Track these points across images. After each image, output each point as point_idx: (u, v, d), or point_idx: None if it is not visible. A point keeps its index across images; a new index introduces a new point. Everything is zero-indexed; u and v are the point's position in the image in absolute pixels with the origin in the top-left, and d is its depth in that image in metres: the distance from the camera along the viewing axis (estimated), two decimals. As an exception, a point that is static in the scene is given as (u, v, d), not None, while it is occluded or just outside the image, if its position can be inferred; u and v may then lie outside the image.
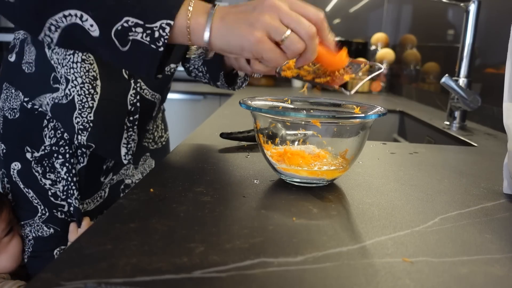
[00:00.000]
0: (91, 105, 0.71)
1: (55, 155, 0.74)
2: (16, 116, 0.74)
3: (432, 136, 1.17)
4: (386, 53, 2.02)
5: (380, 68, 0.57)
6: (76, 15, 0.49)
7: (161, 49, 0.49)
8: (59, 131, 0.74)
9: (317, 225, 0.43)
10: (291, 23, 0.48)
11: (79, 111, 0.71)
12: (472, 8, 1.06)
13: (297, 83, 2.27)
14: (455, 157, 0.77)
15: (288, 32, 0.48)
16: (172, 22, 0.48)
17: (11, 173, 0.75)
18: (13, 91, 0.75)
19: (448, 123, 1.13)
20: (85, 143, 0.72)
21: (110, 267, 0.33)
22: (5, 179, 0.76)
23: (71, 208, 0.76)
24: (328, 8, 2.40)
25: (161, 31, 0.48)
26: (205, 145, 0.74)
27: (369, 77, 0.58)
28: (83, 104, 0.70)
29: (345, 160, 0.55)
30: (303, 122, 0.53)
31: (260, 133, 0.55)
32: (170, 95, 2.11)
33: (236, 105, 1.32)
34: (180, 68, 0.88)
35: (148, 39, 0.48)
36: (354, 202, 0.50)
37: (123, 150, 0.77)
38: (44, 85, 0.72)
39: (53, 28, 0.50)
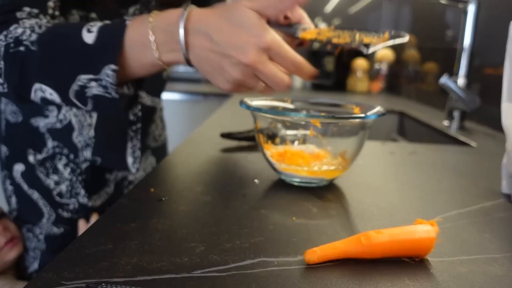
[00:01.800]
0: (89, 122, 0.72)
1: (58, 156, 0.74)
2: (19, 119, 0.74)
3: (431, 136, 1.17)
4: (385, 54, 2.03)
5: (403, 36, 0.54)
6: (40, 89, 0.49)
7: (115, 96, 0.47)
8: None
9: (317, 225, 0.43)
10: (266, 80, 0.46)
11: (79, 131, 0.72)
12: (471, 8, 1.06)
13: (297, 84, 2.28)
14: (454, 157, 0.78)
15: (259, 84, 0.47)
16: (115, 67, 0.45)
17: (14, 174, 0.75)
18: None
19: (447, 123, 1.13)
20: (90, 158, 0.74)
21: (110, 266, 0.33)
22: (8, 181, 0.76)
23: (77, 206, 0.76)
24: (328, 9, 2.40)
25: (106, 78, 0.46)
26: (205, 145, 0.75)
27: (391, 42, 0.55)
28: (82, 123, 0.72)
29: (344, 160, 0.55)
30: (303, 122, 0.53)
31: (260, 133, 0.55)
32: (170, 95, 2.10)
33: (236, 105, 1.32)
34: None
35: (101, 89, 0.47)
36: (353, 202, 0.50)
37: (130, 160, 0.78)
38: (34, 108, 0.72)
39: (36, 103, 0.52)
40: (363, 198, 0.52)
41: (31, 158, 0.74)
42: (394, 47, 2.10)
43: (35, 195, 0.75)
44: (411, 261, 0.36)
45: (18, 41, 0.47)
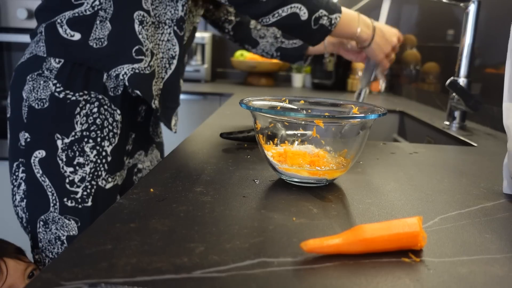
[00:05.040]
0: (163, 76, 0.87)
1: (86, 139, 0.77)
2: (45, 105, 0.76)
3: (432, 136, 1.17)
4: (386, 53, 2.02)
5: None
6: (297, 7, 0.85)
7: (331, 28, 0.89)
8: (91, 118, 0.78)
9: (317, 225, 0.43)
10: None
11: (156, 80, 0.84)
12: (472, 8, 1.06)
13: (297, 83, 2.27)
14: (455, 157, 0.77)
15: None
16: (340, 15, 0.89)
17: (31, 161, 0.76)
18: (41, 82, 0.77)
19: (448, 123, 1.13)
20: (157, 107, 0.86)
21: (110, 267, 0.33)
22: (21, 169, 0.78)
23: (93, 190, 0.78)
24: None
25: (335, 19, 0.89)
26: (205, 145, 0.74)
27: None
28: (159, 74, 0.85)
29: (345, 160, 0.55)
30: (302, 122, 0.53)
31: (260, 133, 0.55)
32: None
33: (236, 105, 1.32)
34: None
35: (327, 23, 0.88)
36: (354, 202, 0.50)
37: (173, 121, 0.94)
38: (122, 56, 0.79)
39: (276, 15, 0.85)
40: (363, 198, 0.51)
41: (59, 143, 0.76)
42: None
43: (46, 182, 0.76)
44: (411, 261, 0.36)
45: None
